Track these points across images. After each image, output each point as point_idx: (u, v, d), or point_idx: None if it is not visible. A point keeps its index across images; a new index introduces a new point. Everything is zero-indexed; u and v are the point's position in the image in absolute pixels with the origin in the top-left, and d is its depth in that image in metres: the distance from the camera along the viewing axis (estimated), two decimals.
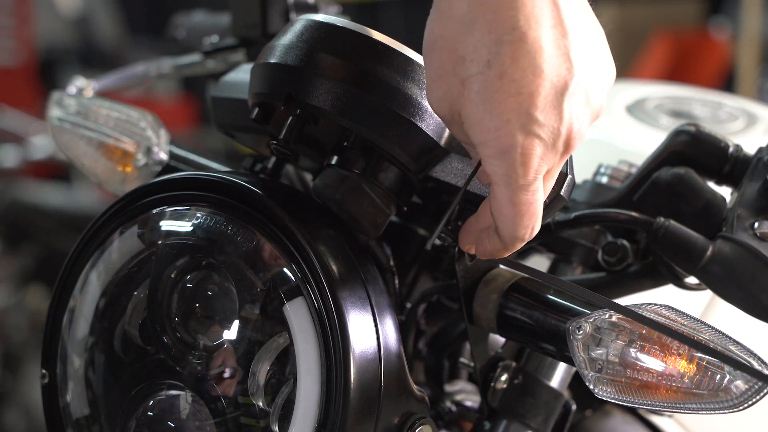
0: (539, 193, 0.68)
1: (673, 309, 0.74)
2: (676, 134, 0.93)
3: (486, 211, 0.72)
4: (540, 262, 1.03)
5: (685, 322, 0.73)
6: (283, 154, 0.80)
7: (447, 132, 0.78)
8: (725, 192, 0.91)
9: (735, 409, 0.71)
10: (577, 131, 0.66)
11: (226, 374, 0.78)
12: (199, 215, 0.80)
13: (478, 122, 0.66)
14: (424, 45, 0.68)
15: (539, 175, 0.67)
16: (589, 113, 0.67)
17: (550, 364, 0.92)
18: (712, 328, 0.73)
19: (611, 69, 0.69)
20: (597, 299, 0.75)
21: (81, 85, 1.30)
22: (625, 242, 0.93)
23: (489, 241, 0.73)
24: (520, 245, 0.71)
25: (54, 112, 1.08)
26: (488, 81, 0.64)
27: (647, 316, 0.73)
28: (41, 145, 3.32)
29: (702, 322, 0.73)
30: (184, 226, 0.80)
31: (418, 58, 0.77)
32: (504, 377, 0.89)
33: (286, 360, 0.76)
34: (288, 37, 0.78)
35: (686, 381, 0.72)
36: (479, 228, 0.74)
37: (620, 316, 0.74)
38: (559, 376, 0.93)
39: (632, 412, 1.12)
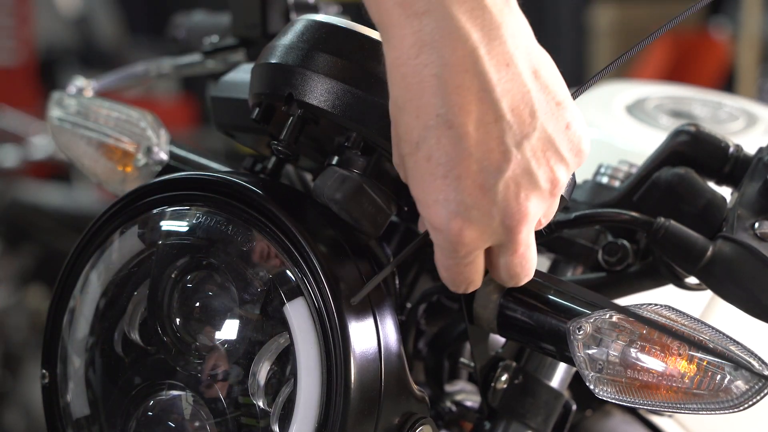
0: (474, 265, 0.70)
1: (673, 309, 0.74)
2: (676, 134, 0.93)
3: None
4: (540, 262, 1.03)
5: (686, 322, 0.73)
6: (284, 154, 0.80)
7: None
8: (725, 192, 0.91)
9: (735, 410, 0.71)
10: (516, 213, 0.67)
11: (227, 374, 0.78)
12: (199, 215, 0.80)
13: (415, 197, 0.68)
14: None
15: (474, 251, 0.69)
16: (538, 194, 0.67)
17: (551, 364, 0.92)
18: (713, 328, 0.73)
19: (578, 142, 0.68)
20: (597, 299, 0.75)
21: (81, 85, 1.30)
22: (625, 242, 0.93)
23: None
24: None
25: (54, 112, 1.08)
26: (418, 162, 0.66)
27: (647, 316, 0.73)
28: (41, 145, 3.32)
29: (702, 322, 0.73)
30: (185, 226, 0.80)
31: None
32: (504, 377, 0.90)
33: (286, 360, 0.76)
34: (288, 38, 0.78)
35: (686, 381, 0.72)
36: None
37: (621, 316, 0.74)
38: (559, 376, 0.93)
39: (632, 412, 1.12)
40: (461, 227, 0.66)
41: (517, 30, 0.66)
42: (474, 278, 0.72)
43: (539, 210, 0.68)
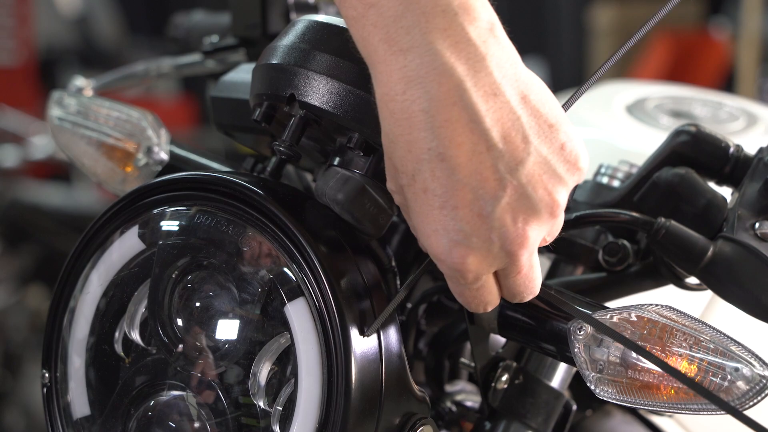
0: (485, 288, 0.70)
1: (674, 309, 0.74)
2: (677, 134, 0.93)
3: None
4: (540, 262, 1.03)
5: (686, 323, 0.73)
6: (286, 154, 0.80)
7: None
8: (726, 192, 0.91)
9: None
10: (516, 238, 0.67)
11: (227, 374, 0.78)
12: (200, 215, 0.80)
13: (415, 228, 0.69)
14: None
15: (481, 276, 0.69)
16: (536, 217, 0.67)
17: (551, 364, 0.92)
18: (713, 328, 0.73)
19: (575, 160, 0.69)
20: (573, 311, 0.76)
21: (81, 85, 1.30)
22: (625, 242, 0.93)
23: None
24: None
25: (54, 111, 1.08)
26: (416, 194, 0.67)
27: (648, 315, 0.73)
28: (41, 145, 3.32)
29: (703, 323, 0.73)
30: (185, 227, 0.80)
31: None
32: (505, 377, 0.89)
33: (287, 360, 0.76)
34: (290, 38, 0.78)
35: None
36: None
37: (621, 316, 0.74)
38: (559, 376, 0.93)
39: (632, 412, 1.12)
40: (463, 255, 0.67)
41: (503, 59, 0.66)
42: (489, 299, 0.72)
43: (540, 233, 0.69)
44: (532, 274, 0.72)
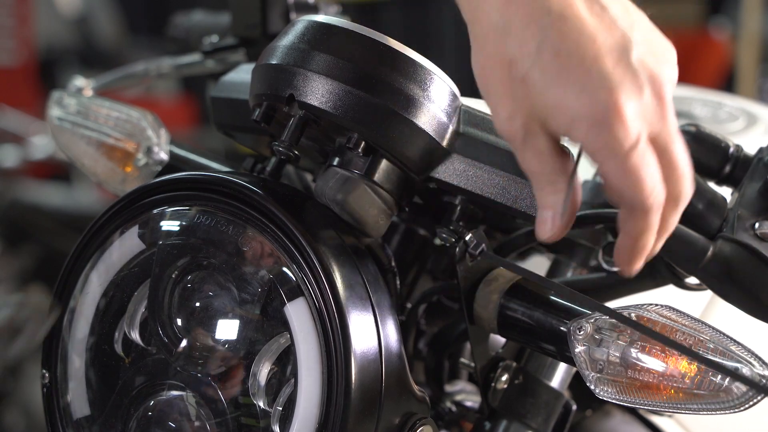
0: (648, 154, 0.66)
1: (674, 309, 0.74)
2: None
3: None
4: (540, 262, 1.03)
5: (686, 323, 0.73)
6: (285, 154, 0.80)
7: (449, 133, 0.78)
8: (726, 192, 0.91)
9: (736, 410, 0.71)
10: (659, 77, 0.66)
11: (227, 375, 0.78)
12: (199, 215, 0.80)
13: (556, 105, 0.65)
14: (477, 81, 0.68)
15: (642, 135, 0.65)
16: (664, 66, 0.67)
17: (551, 364, 0.92)
18: (713, 328, 0.73)
19: (665, 49, 0.69)
20: (587, 303, 0.75)
21: (81, 85, 1.30)
22: None
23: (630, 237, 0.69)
24: (655, 217, 0.68)
25: (54, 111, 1.08)
26: (547, 64, 0.65)
27: (647, 315, 0.73)
28: (41, 145, 3.32)
29: (702, 323, 0.73)
30: (185, 227, 0.80)
31: (419, 59, 0.77)
32: (504, 377, 0.89)
33: (287, 360, 0.76)
34: (289, 38, 0.79)
35: (687, 381, 0.72)
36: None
37: None
38: (559, 376, 0.93)
39: (632, 411, 1.12)
40: (620, 100, 0.64)
41: None
42: (650, 178, 0.66)
43: (671, 85, 0.67)
44: (685, 156, 0.68)
